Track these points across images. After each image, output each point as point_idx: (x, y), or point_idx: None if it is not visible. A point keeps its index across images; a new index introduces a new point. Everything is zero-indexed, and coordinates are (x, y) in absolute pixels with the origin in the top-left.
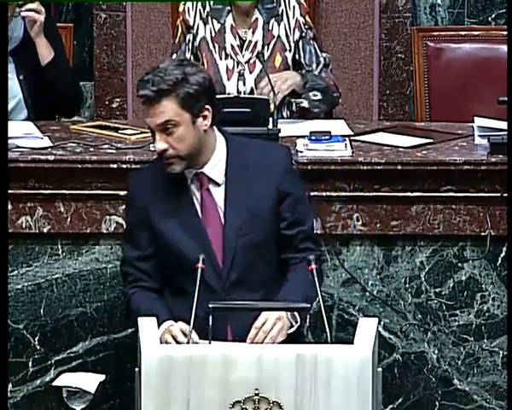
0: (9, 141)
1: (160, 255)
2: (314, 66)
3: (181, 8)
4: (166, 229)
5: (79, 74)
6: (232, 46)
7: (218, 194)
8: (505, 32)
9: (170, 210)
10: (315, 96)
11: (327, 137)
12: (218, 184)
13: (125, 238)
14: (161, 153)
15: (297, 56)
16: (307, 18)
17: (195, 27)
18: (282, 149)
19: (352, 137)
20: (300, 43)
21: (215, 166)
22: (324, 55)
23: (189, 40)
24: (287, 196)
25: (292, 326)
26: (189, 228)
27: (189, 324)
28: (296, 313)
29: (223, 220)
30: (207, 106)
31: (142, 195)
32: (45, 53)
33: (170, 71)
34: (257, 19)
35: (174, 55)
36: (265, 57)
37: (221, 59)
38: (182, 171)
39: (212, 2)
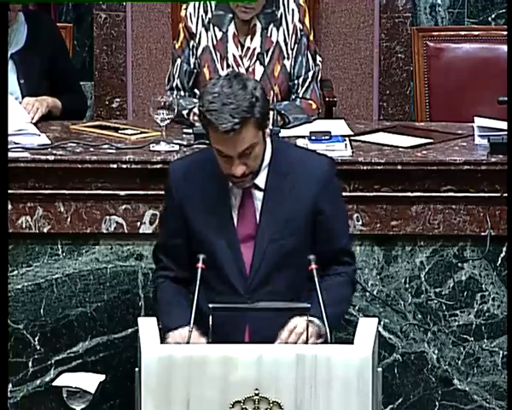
0: None
1: (191, 248)
2: (301, 80)
3: (183, 14)
4: (199, 224)
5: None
6: (234, 56)
7: (258, 198)
8: (505, 32)
9: (206, 206)
10: (295, 120)
11: (327, 137)
12: (260, 189)
13: (160, 223)
14: (240, 176)
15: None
16: (306, 21)
17: (198, 35)
18: (324, 159)
19: (352, 137)
20: (294, 53)
21: (261, 172)
22: (318, 61)
23: (193, 46)
24: (323, 211)
25: (320, 337)
26: (221, 227)
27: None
28: (321, 325)
29: (257, 224)
30: (268, 115)
31: (181, 185)
32: (56, 109)
33: (240, 97)
34: (255, 25)
35: (178, 60)
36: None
37: (223, 69)
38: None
39: (213, 8)
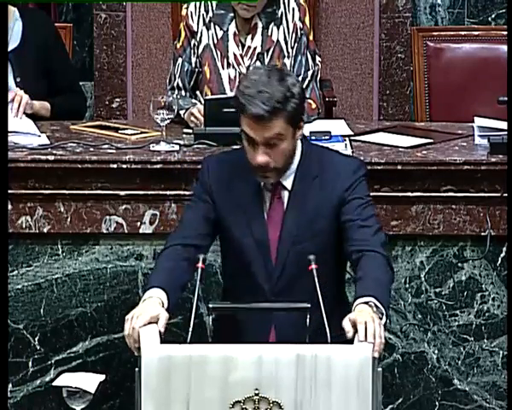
0: None
1: (220, 246)
2: (300, 79)
3: (184, 12)
4: (231, 223)
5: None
6: (235, 55)
7: (285, 199)
8: (505, 32)
9: (238, 206)
10: None
11: (327, 137)
12: (287, 190)
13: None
14: (263, 165)
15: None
16: (306, 20)
17: (199, 34)
18: (354, 161)
19: (351, 137)
20: (294, 52)
21: (289, 174)
22: (317, 61)
23: (194, 45)
24: (349, 202)
25: (381, 319)
26: (252, 227)
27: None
28: (380, 305)
29: (281, 226)
30: (303, 116)
31: (216, 183)
32: (44, 112)
33: (276, 88)
34: (256, 24)
35: (179, 60)
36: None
37: (223, 68)
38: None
39: (214, 7)
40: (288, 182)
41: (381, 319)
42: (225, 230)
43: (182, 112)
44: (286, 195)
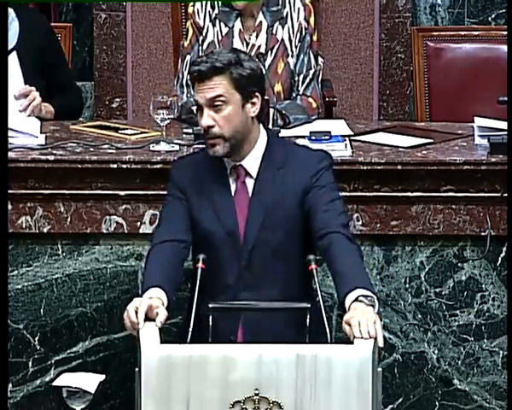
0: None
1: (194, 240)
2: (301, 77)
3: (190, 10)
4: (199, 212)
5: (77, 77)
6: None
7: (250, 187)
8: (505, 32)
9: (208, 200)
10: (295, 120)
11: (327, 137)
12: (252, 177)
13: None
14: (207, 129)
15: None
16: (311, 21)
17: (205, 29)
18: (319, 153)
19: (352, 137)
20: (297, 50)
21: (253, 161)
22: (319, 62)
23: (202, 40)
24: (313, 189)
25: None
26: (221, 217)
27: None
28: (369, 293)
29: (247, 213)
30: (257, 93)
31: (182, 176)
32: (49, 116)
33: (224, 54)
34: (261, 22)
35: (188, 57)
36: (268, 62)
37: None
38: (224, 155)
39: (220, 4)
40: (252, 169)
41: (373, 306)
42: (196, 222)
43: (194, 108)
44: (251, 182)
